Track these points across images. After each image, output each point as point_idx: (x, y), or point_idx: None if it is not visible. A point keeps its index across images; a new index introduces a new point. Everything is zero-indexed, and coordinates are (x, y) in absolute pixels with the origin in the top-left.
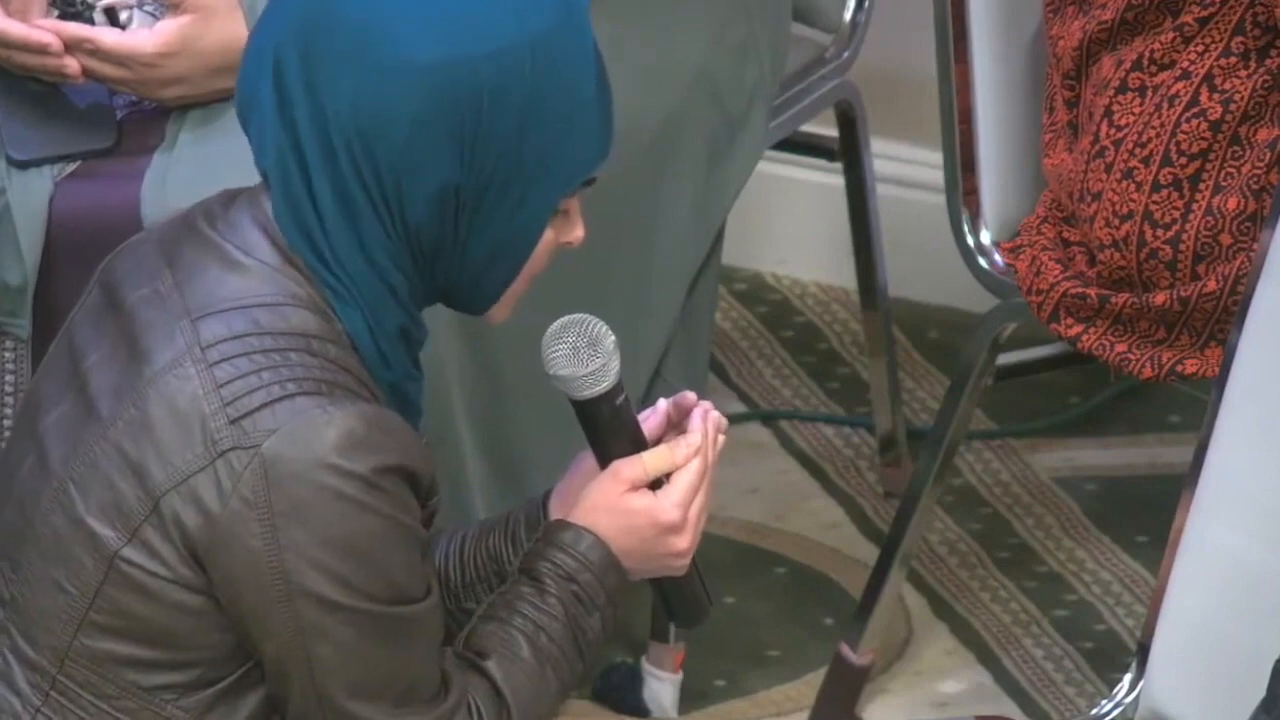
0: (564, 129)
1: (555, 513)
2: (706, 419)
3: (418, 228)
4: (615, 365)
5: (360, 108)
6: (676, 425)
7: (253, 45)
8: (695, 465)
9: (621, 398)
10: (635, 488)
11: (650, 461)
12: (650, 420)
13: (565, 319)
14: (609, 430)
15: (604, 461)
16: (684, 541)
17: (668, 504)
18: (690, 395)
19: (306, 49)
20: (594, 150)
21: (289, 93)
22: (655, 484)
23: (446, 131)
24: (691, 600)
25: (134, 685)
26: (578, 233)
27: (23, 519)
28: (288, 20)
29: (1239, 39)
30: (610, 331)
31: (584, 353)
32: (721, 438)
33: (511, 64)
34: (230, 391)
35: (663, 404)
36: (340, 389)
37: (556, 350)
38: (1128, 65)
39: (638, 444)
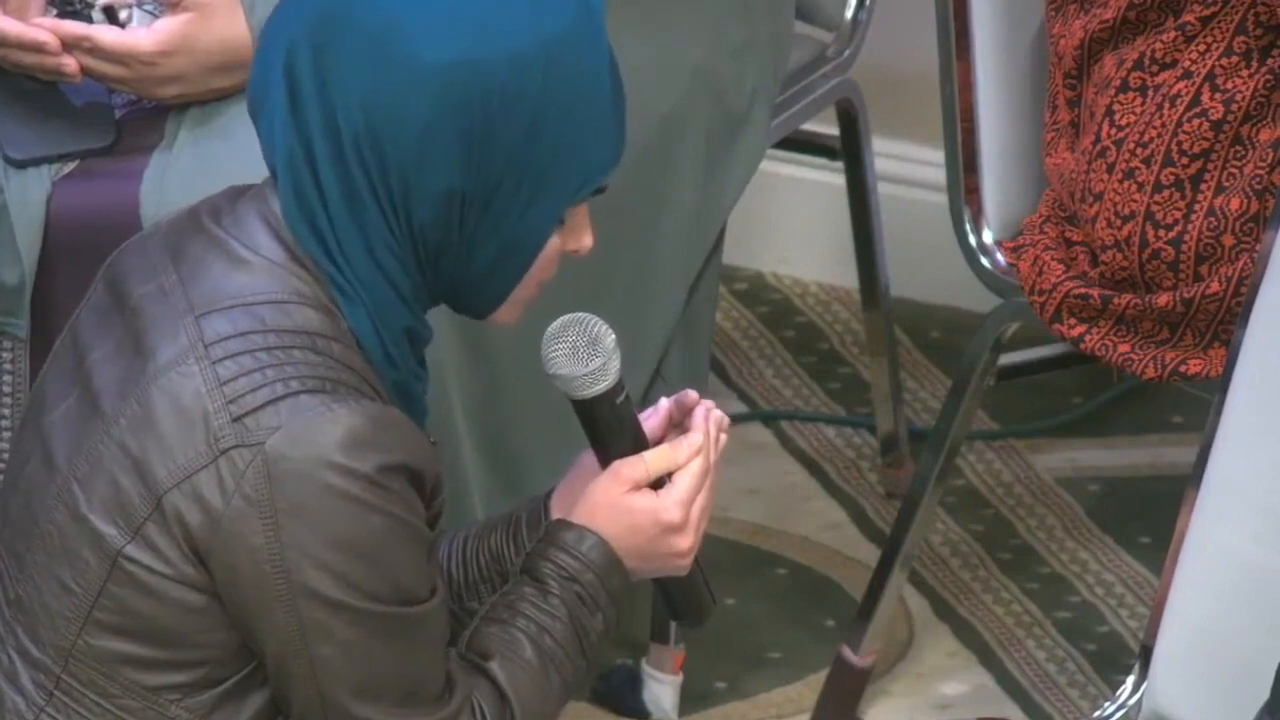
0: (575, 134)
1: (557, 512)
2: (708, 418)
3: (422, 228)
4: (615, 364)
5: (371, 106)
6: (678, 424)
7: (265, 40)
8: (697, 464)
9: (622, 397)
10: (637, 487)
11: (652, 461)
12: (652, 420)
13: (565, 318)
14: (609, 430)
15: (605, 461)
16: (686, 541)
17: (669, 503)
18: (692, 394)
19: (320, 45)
20: (605, 157)
21: (301, 89)
22: (657, 484)
23: (457, 133)
24: (695, 600)
25: (138, 685)
26: (585, 241)
27: (29, 517)
28: (301, 15)
29: (1241, 38)
30: (610, 330)
31: (584, 352)
32: (724, 437)
33: (525, 67)
34: (233, 389)
35: (664, 403)
36: (344, 387)
37: (556, 349)
38: (1129, 64)
39: (639, 443)
